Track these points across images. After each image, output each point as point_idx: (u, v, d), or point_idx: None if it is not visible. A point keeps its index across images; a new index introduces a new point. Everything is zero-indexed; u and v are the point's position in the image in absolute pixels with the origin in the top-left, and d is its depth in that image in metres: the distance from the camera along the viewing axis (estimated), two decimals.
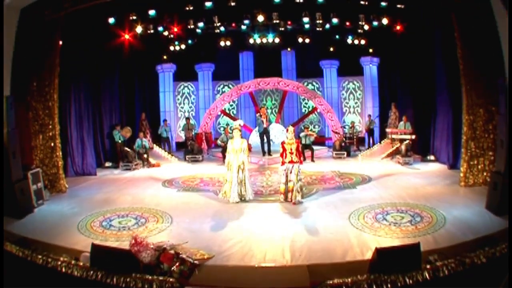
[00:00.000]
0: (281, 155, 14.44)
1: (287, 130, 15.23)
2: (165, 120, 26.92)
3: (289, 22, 22.88)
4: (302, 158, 14.91)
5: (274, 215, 13.18)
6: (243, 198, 14.63)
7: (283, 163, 14.38)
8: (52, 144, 16.10)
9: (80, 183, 18.09)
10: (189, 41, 25.96)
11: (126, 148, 21.94)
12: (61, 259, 8.54)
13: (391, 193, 14.85)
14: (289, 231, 11.42)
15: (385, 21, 20.80)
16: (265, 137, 22.41)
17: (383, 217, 12.16)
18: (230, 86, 29.16)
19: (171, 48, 26.29)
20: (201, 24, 21.76)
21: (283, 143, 14.57)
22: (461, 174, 15.42)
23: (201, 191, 16.44)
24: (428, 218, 11.82)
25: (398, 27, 21.66)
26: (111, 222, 12.54)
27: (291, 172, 14.20)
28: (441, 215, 11.99)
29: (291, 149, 14.23)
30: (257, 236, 11.22)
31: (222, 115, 29.26)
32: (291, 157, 14.19)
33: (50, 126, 16.02)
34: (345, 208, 13.26)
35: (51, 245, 10.30)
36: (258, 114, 22.75)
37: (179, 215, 13.11)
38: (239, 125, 15.90)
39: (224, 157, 22.25)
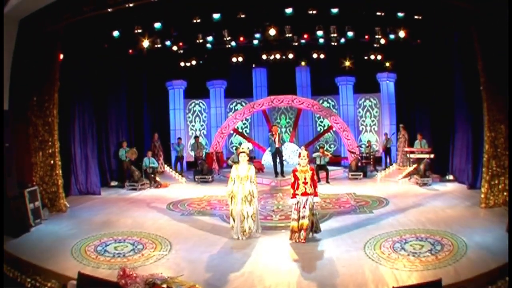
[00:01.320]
0: (292, 185, 12.26)
1: (299, 155, 12.59)
2: (179, 139, 26.25)
3: (303, 36, 22.00)
4: (317, 189, 12.44)
5: (282, 244, 12.00)
6: (248, 235, 12.50)
7: (294, 195, 12.13)
8: (52, 162, 15.63)
9: (83, 202, 17.60)
10: (200, 60, 25.78)
11: (133, 167, 21.27)
12: (49, 285, 8.69)
13: (409, 218, 13.83)
14: (297, 263, 10.48)
15: (402, 34, 19.90)
16: (277, 157, 21.57)
17: (401, 246, 11.15)
18: (243, 103, 28.57)
19: (182, 64, 25.88)
20: (210, 38, 21.14)
21: (294, 171, 12.32)
22: (482, 195, 14.57)
23: (207, 215, 15.61)
24: (449, 246, 10.88)
25: (416, 40, 20.88)
26: (106, 247, 11.84)
27: (304, 207, 11.95)
28: (462, 241, 11.08)
29: (304, 178, 12.04)
30: (262, 268, 10.27)
31: (234, 134, 28.57)
32: (304, 188, 11.98)
33: (50, 143, 15.58)
34: (360, 236, 12.24)
35: (42, 269, 9.93)
36: (270, 133, 21.88)
37: (180, 242, 12.23)
38: (247, 148, 13.46)
39: None
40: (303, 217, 11.98)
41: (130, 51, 21.60)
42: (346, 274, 9.60)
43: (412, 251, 10.73)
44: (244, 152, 13.05)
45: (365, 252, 10.94)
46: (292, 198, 12.27)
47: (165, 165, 24.79)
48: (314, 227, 12.34)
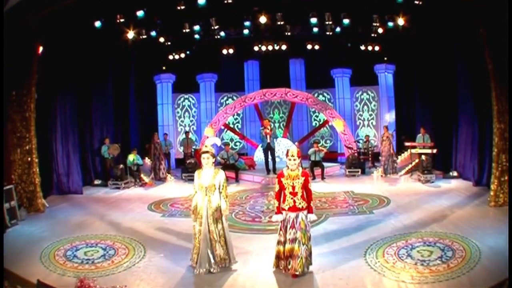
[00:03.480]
0: (276, 196, 9.25)
1: (286, 154, 9.35)
2: (165, 134, 25.11)
3: (296, 25, 21.07)
4: (311, 202, 9.20)
5: (271, 250, 9.67)
6: (215, 268, 9.36)
7: (278, 210, 9.16)
8: (29, 159, 14.95)
9: (63, 202, 16.85)
10: (188, 51, 25.03)
11: (115, 165, 20.27)
12: None
13: (414, 219, 12.64)
14: (287, 275, 9.03)
15: (401, 21, 18.77)
16: (269, 153, 20.69)
17: (407, 252, 9.89)
18: (234, 98, 27.62)
19: (170, 57, 25.11)
20: (197, 27, 20.24)
21: (279, 176, 9.19)
22: (491, 193, 13.64)
23: (189, 217, 14.10)
24: (461, 252, 9.68)
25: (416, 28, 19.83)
26: (76, 251, 10.96)
27: (292, 227, 8.90)
28: (475, 246, 9.92)
29: (293, 187, 8.95)
30: (246, 277, 9.14)
31: (225, 129, 27.74)
32: (293, 201, 8.94)
33: (27, 139, 14.89)
34: (360, 240, 11.05)
35: (11, 273, 9.24)
36: (262, 127, 20.90)
37: (155, 247, 11.14)
38: (210, 146, 9.88)
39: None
40: (292, 240, 8.83)
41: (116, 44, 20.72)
42: None
43: (420, 258, 9.48)
44: (207, 152, 9.49)
45: (366, 260, 9.67)
46: (276, 213, 9.22)
47: (168, 175, 22.65)
48: (310, 259, 9.11)
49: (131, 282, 8.84)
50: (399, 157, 22.46)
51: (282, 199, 9.17)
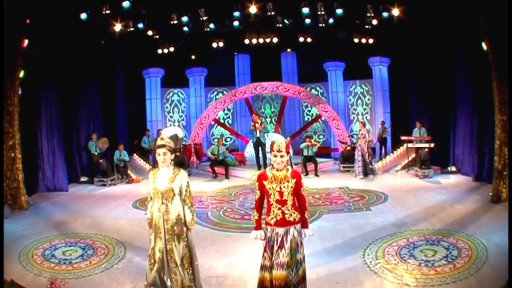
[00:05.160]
0: (256, 205, 6.93)
1: (271, 147, 6.79)
2: (147, 130, 24.40)
3: (287, 16, 20.55)
4: (306, 213, 6.92)
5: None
6: None
7: (258, 224, 6.92)
8: (12, 155, 14.39)
9: (48, 199, 16.30)
10: (178, 44, 24.44)
11: (102, 161, 19.69)
12: None
13: (414, 216, 12.05)
14: None
15: (396, 12, 18.42)
16: (260, 149, 20.33)
17: (409, 252, 9.25)
18: (225, 92, 27.11)
19: (159, 51, 24.55)
20: (185, 19, 19.78)
21: (261, 178, 6.81)
22: (493, 188, 13.05)
23: None
24: (467, 250, 9.05)
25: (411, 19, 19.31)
26: (55, 251, 10.40)
27: (281, 247, 6.60)
28: (481, 244, 9.30)
29: (280, 194, 6.65)
30: (232, 281, 8.41)
31: (216, 125, 27.30)
32: (281, 213, 6.65)
33: (10, 134, 14.28)
34: (357, 240, 10.41)
35: None
36: (252, 122, 20.48)
37: (136, 248, 10.41)
38: (168, 138, 7.62)
39: (213, 171, 19.86)
40: (281, 265, 6.53)
41: (103, 42, 20.63)
42: None
43: (424, 258, 8.83)
44: (163, 146, 7.21)
45: (365, 261, 8.99)
46: (255, 229, 6.95)
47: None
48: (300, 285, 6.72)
49: (107, 284, 8.33)
50: (393, 154, 21.87)
51: (267, 210, 6.83)
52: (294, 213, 6.70)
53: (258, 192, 6.89)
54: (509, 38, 11.25)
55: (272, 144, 6.90)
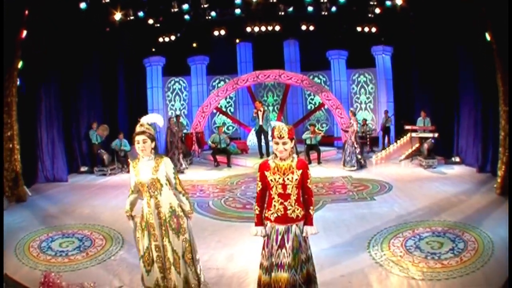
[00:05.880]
0: (258, 198, 6.24)
1: (272, 133, 6.09)
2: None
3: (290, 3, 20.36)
4: (311, 209, 6.17)
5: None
6: None
7: (259, 220, 6.23)
8: (11, 146, 14.08)
9: (47, 190, 16.04)
10: (179, 33, 24.36)
11: (102, 151, 19.52)
12: None
13: (419, 207, 11.81)
14: None
15: (399, 0, 18.51)
16: (262, 136, 20.12)
17: (415, 244, 9.01)
18: (227, 80, 26.83)
19: (160, 39, 24.52)
20: (186, 6, 19.85)
21: (262, 168, 6.12)
22: (498, 180, 12.77)
23: None
24: (473, 243, 8.82)
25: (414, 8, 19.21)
26: (52, 243, 10.20)
27: (281, 247, 5.99)
28: (487, 237, 9.06)
29: (283, 187, 5.96)
30: (232, 274, 8.15)
31: (218, 113, 27.24)
32: (284, 208, 5.99)
33: (9, 125, 13.99)
34: (362, 230, 10.18)
35: None
36: (255, 109, 20.29)
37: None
38: (147, 124, 6.76)
39: (215, 159, 19.71)
40: (281, 266, 5.94)
41: (107, 29, 20.40)
42: None
43: (431, 251, 8.59)
44: (143, 132, 6.56)
45: (370, 253, 8.75)
46: (256, 224, 6.26)
47: (183, 161, 19.98)
48: (308, 285, 6.16)
49: (103, 277, 8.09)
50: (396, 143, 21.66)
51: (267, 204, 6.19)
52: (297, 209, 6.00)
53: (259, 183, 6.16)
54: (509, 29, 11.06)
55: (273, 129, 6.07)
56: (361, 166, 18.35)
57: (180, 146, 19.78)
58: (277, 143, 5.95)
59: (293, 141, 6.07)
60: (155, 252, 6.60)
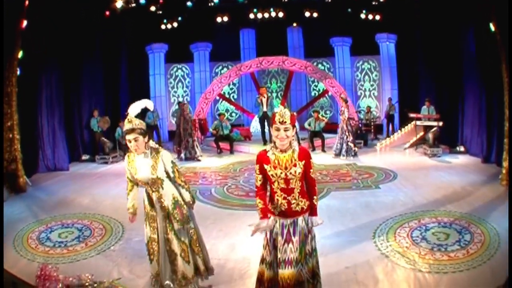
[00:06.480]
0: (258, 191, 5.73)
1: (272, 118, 5.48)
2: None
3: None
4: (315, 199, 5.74)
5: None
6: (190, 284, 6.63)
7: (264, 213, 5.65)
8: (11, 136, 13.85)
9: (48, 180, 15.79)
10: (181, 19, 24.20)
11: (104, 139, 19.51)
12: None
13: (425, 196, 11.64)
14: None
15: None
16: (266, 123, 19.97)
17: (421, 235, 8.84)
18: (230, 67, 26.53)
19: (162, 26, 24.37)
20: None
21: (260, 159, 5.61)
22: (503, 171, 12.55)
23: None
24: (479, 236, 8.65)
25: None
26: (51, 233, 10.05)
27: (287, 241, 5.57)
28: (493, 229, 8.89)
29: (286, 180, 5.50)
30: (234, 264, 7.98)
31: (221, 100, 27.08)
32: (287, 202, 5.56)
33: (9, 115, 13.75)
34: (367, 219, 10.02)
35: None
36: (258, 95, 20.25)
37: (135, 227, 9.26)
38: (136, 118, 6.32)
39: (218, 146, 19.57)
40: (289, 262, 5.50)
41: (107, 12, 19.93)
42: (352, 281, 7.15)
43: (437, 242, 8.41)
44: (133, 130, 6.19)
45: (375, 243, 8.58)
46: (261, 217, 5.65)
47: (197, 149, 19.37)
48: (313, 280, 5.82)
49: (102, 268, 7.91)
50: (400, 131, 21.58)
51: (270, 197, 5.76)
52: (302, 201, 5.56)
53: (259, 177, 5.66)
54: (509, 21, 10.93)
55: (274, 114, 5.50)
56: (354, 154, 18.01)
57: (194, 133, 19.43)
58: (278, 129, 5.40)
59: (295, 128, 5.63)
60: (155, 245, 6.48)
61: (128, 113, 6.25)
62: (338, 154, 18.11)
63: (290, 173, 5.45)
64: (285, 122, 5.35)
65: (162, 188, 6.39)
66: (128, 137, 6.17)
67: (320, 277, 5.94)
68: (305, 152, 5.59)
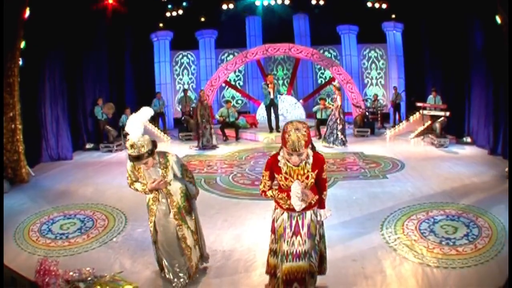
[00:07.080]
0: (262, 192, 5.80)
1: (283, 143, 5.24)
2: (158, 93, 24.02)
3: None
4: (324, 194, 5.78)
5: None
6: (194, 273, 6.73)
7: (282, 191, 5.57)
8: (13, 126, 13.72)
9: (51, 169, 15.58)
10: (187, 6, 24.21)
11: (108, 127, 19.34)
12: None
13: (432, 187, 11.48)
14: None
15: None
16: (272, 110, 19.87)
17: (429, 227, 8.68)
18: (235, 54, 26.42)
19: (168, 14, 24.39)
20: None
21: (271, 164, 5.62)
22: (509, 164, 12.31)
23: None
24: (487, 230, 8.52)
25: None
26: (52, 225, 9.88)
27: (296, 234, 5.55)
28: (500, 223, 8.75)
29: (299, 171, 5.41)
30: (239, 256, 7.84)
31: (226, 87, 26.93)
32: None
33: (11, 106, 13.64)
34: (374, 210, 9.93)
35: None
36: (265, 83, 20.04)
37: (139, 217, 9.70)
38: (139, 141, 6.04)
39: (223, 133, 19.50)
40: (297, 255, 5.53)
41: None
42: (360, 275, 6.99)
43: (445, 236, 8.27)
44: (142, 156, 6.01)
45: (383, 235, 8.45)
46: (276, 207, 5.79)
47: (213, 137, 18.79)
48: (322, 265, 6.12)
49: (103, 261, 7.80)
50: (407, 120, 21.35)
51: (278, 191, 5.61)
52: (309, 194, 5.39)
53: (268, 183, 5.69)
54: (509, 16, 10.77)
55: (286, 139, 5.09)
56: (342, 144, 17.77)
57: (211, 120, 19.08)
58: (290, 155, 5.18)
59: (310, 143, 5.29)
60: (158, 241, 6.61)
61: (127, 132, 6.13)
62: (329, 143, 17.88)
63: (303, 182, 5.34)
64: (299, 150, 5.09)
65: (170, 185, 6.43)
66: (136, 164, 6.15)
67: (327, 260, 6.17)
68: (319, 162, 5.43)
